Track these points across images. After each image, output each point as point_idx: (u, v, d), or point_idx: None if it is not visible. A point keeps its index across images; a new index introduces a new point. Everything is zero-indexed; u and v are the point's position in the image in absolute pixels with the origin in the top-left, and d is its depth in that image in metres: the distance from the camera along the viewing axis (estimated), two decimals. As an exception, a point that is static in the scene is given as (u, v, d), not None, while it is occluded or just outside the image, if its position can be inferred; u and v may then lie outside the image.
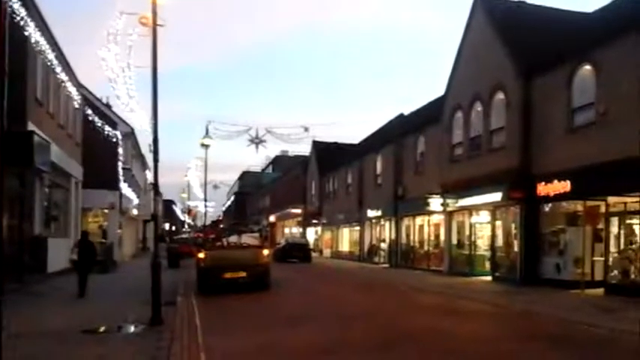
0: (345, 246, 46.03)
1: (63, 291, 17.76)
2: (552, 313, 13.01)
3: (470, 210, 25.22)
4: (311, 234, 54.92)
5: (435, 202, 27.22)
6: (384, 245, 36.59)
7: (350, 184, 43.37)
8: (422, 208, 28.63)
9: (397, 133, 33.96)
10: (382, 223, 37.03)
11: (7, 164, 16.33)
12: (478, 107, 24.31)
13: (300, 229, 57.41)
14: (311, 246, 44.93)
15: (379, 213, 36.55)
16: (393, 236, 34.11)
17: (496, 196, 22.03)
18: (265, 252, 19.51)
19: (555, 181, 19.09)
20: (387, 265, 34.21)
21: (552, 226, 20.10)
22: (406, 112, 40.66)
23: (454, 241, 27.04)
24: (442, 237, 28.17)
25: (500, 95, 22.56)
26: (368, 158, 39.31)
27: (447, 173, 26.57)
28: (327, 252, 49.75)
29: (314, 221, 52.92)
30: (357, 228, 41.76)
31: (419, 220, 31.59)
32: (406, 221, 33.15)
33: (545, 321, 12.24)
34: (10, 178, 17.88)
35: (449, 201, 26.01)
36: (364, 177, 39.96)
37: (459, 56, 26.05)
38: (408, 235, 33.04)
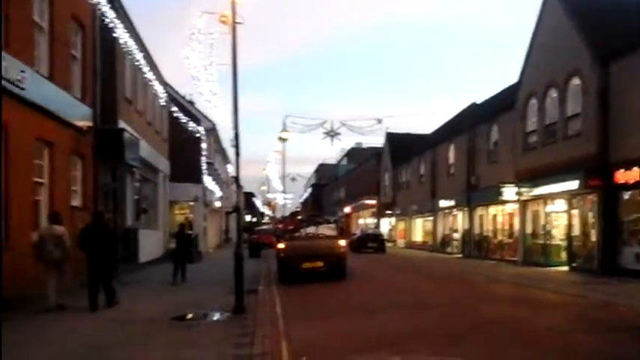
0: (418, 236, 45.58)
1: (153, 281, 18.51)
2: (632, 304, 12.44)
3: (545, 199, 24.41)
4: (385, 224, 54.68)
5: (509, 191, 26.52)
6: (456, 235, 36.00)
7: (423, 175, 42.85)
8: (495, 198, 27.96)
9: (470, 122, 33.23)
10: (455, 213, 36.41)
11: (100, 159, 17.33)
12: (553, 94, 23.45)
13: (375, 220, 57.27)
14: (385, 236, 44.74)
15: (452, 203, 35.95)
16: (466, 226, 33.48)
17: (572, 184, 21.22)
18: (342, 242, 19.54)
19: (635, 168, 18.18)
20: (460, 256, 33.65)
21: (632, 215, 19.15)
22: (479, 101, 39.72)
23: (528, 230, 26.23)
24: (516, 226, 27.40)
25: (576, 81, 21.66)
26: (441, 148, 38.69)
27: (521, 161, 25.80)
28: (400, 242, 49.42)
29: (388, 212, 52.66)
30: (430, 218, 41.25)
31: (492, 209, 30.84)
32: (479, 211, 32.44)
33: (624, 312, 11.72)
34: (104, 174, 18.75)
35: (523, 190, 25.28)
36: (437, 167, 39.37)
37: (533, 42, 25.16)
38: (481, 225, 32.32)
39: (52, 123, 14.19)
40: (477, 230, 32.62)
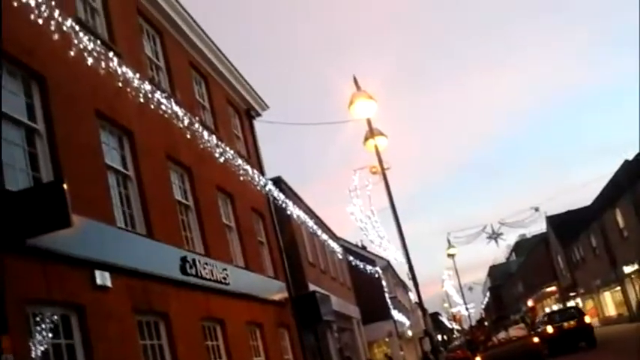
0: (610, 310, 40.24)
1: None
2: None
3: None
4: (572, 307, 49.28)
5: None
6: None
7: (596, 247, 38.75)
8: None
9: (628, 179, 29.81)
10: (643, 275, 32.09)
11: (302, 325, 17.70)
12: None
13: (560, 306, 51.98)
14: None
15: (636, 266, 31.78)
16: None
17: None
18: (535, 340, 18.14)
19: None
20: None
21: None
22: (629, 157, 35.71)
23: None
24: None
25: None
26: (606, 215, 34.87)
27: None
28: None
29: (571, 294, 47.72)
30: (618, 288, 36.59)
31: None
32: (668, 266, 28.31)
33: None
34: (307, 335, 18.96)
35: None
36: (608, 234, 35.41)
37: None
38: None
39: (256, 305, 14.71)
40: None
